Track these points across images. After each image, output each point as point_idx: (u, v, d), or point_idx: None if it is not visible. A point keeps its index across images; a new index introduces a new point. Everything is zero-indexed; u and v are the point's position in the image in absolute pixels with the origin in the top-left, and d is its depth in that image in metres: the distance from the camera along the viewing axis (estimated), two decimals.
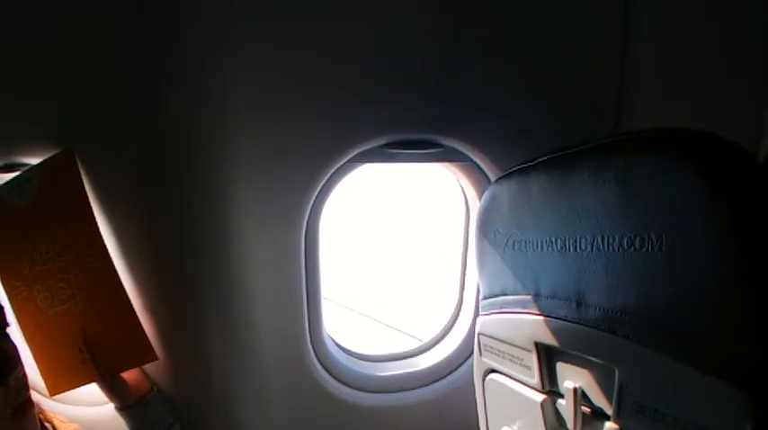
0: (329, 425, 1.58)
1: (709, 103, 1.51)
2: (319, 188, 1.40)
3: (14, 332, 1.24)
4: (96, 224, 1.29)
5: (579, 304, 0.96)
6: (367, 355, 1.69)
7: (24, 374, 1.04)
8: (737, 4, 1.48)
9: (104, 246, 1.29)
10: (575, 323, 0.97)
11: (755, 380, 0.70)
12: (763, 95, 1.65)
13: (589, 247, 0.93)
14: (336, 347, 1.63)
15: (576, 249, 0.96)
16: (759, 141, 1.88)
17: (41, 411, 1.17)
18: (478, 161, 1.50)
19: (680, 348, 0.78)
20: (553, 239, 1.01)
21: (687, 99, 1.50)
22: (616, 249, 0.87)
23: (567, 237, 0.98)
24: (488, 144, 1.45)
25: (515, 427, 1.20)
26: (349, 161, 1.41)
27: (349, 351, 1.66)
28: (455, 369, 1.67)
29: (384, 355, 1.71)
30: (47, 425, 1.17)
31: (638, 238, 0.83)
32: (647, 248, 0.81)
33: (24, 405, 1.02)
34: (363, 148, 1.39)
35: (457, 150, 1.47)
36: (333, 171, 1.40)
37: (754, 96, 1.57)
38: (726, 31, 1.50)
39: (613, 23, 1.45)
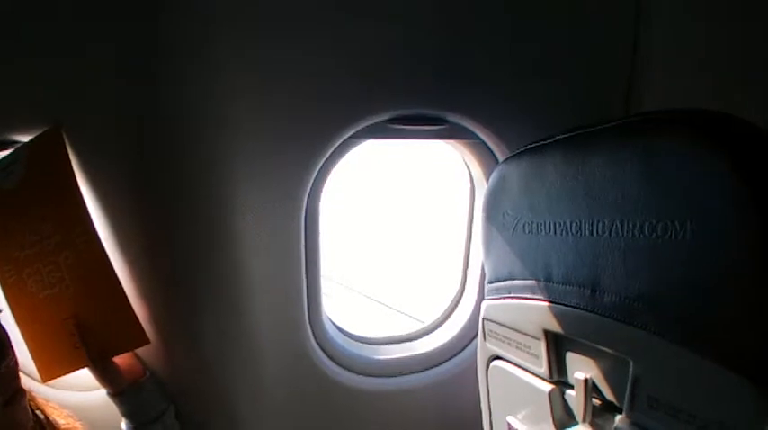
0: (328, 408, 1.56)
1: (725, 81, 1.47)
2: (321, 165, 1.36)
3: (5, 318, 1.24)
4: (85, 204, 1.25)
5: (594, 291, 0.92)
6: (366, 338, 1.67)
7: (16, 362, 1.02)
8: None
9: (94, 227, 1.26)
10: (588, 311, 0.94)
11: None
12: None
13: (607, 232, 0.89)
14: (336, 330, 1.60)
15: (592, 233, 0.92)
16: None
17: (33, 399, 1.14)
18: (486, 139, 1.45)
19: (701, 341, 0.75)
20: (568, 223, 0.97)
21: (701, 76, 1.46)
22: (637, 235, 0.83)
23: (582, 221, 0.94)
24: (496, 122, 1.41)
25: (520, 417, 1.18)
26: (352, 136, 1.37)
27: (348, 333, 1.63)
28: (457, 354, 1.64)
29: (384, 338, 1.68)
30: (38, 412, 1.14)
31: (660, 225, 0.79)
32: (671, 235, 0.78)
33: (15, 395, 1.01)
34: (366, 123, 1.35)
35: (463, 127, 1.42)
36: (335, 146, 1.36)
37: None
38: (739, 25, 1.46)
39: (627, 3, 1.40)
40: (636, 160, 0.82)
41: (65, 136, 1.25)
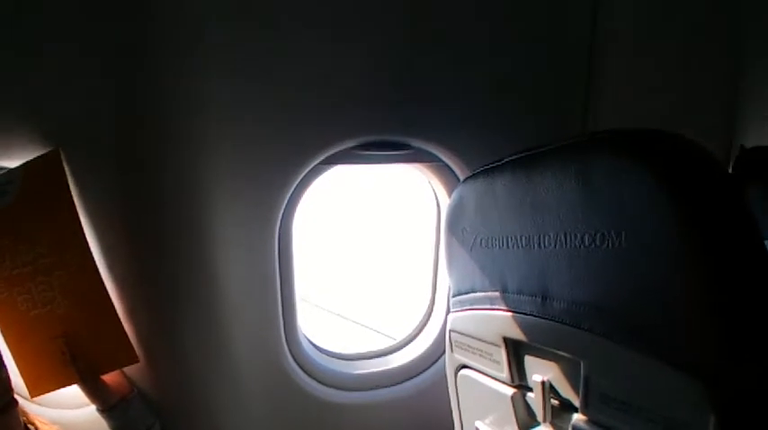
0: (306, 422, 1.59)
1: (676, 109, 1.55)
2: (292, 190, 1.42)
3: None
4: (81, 225, 1.28)
5: (544, 299, 0.98)
6: (341, 354, 1.70)
7: (8, 376, 1.06)
8: (706, 13, 1.52)
9: (88, 248, 1.28)
10: (540, 318, 1.00)
11: (716, 372, 0.72)
12: (732, 101, 1.70)
13: (552, 244, 0.95)
14: (311, 346, 1.64)
15: (540, 246, 0.98)
16: (729, 147, 1.93)
17: (25, 414, 1.18)
18: (448, 162, 1.52)
19: (642, 341, 0.81)
20: (518, 237, 1.04)
21: (655, 104, 1.54)
22: (578, 246, 0.89)
23: (531, 235, 1.00)
24: (458, 145, 1.48)
25: (487, 421, 1.22)
26: (321, 163, 1.43)
27: (324, 349, 1.67)
28: (429, 366, 1.69)
29: (358, 354, 1.72)
30: (30, 427, 1.18)
31: (598, 235, 0.85)
32: (608, 245, 0.84)
33: (9, 404, 1.06)
34: (335, 150, 1.41)
35: (427, 151, 1.50)
36: (305, 173, 1.41)
37: (724, 99, 1.62)
38: (694, 39, 1.54)
39: (582, 29, 1.49)
40: (576, 177, 0.88)
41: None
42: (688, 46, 1.55)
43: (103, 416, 1.34)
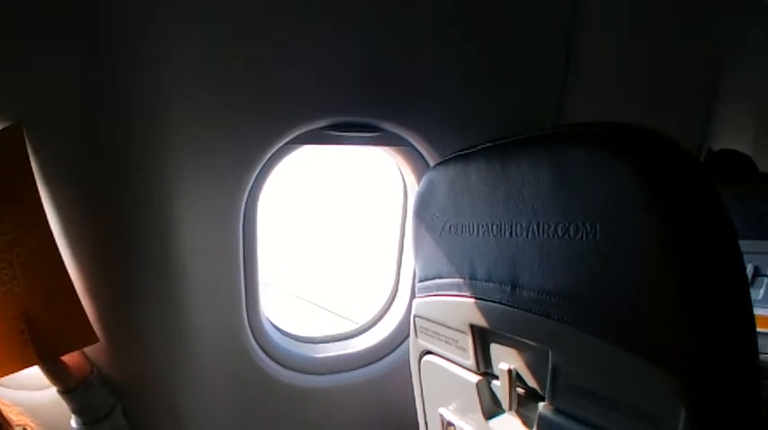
0: (268, 405, 1.58)
1: (648, 107, 1.57)
2: (259, 169, 1.38)
3: None
4: (41, 203, 1.23)
5: (514, 288, 0.98)
6: (304, 337, 1.69)
7: None
8: (681, 13, 1.54)
9: (48, 226, 1.24)
10: (509, 306, 1.00)
11: (686, 364, 0.74)
12: (706, 101, 1.73)
13: (525, 233, 0.95)
14: (274, 329, 1.62)
15: (511, 235, 0.98)
16: (699, 148, 1.98)
17: None
18: (418, 146, 1.51)
19: (611, 332, 0.81)
20: (489, 224, 1.03)
21: (628, 101, 1.55)
22: (551, 236, 0.89)
23: (503, 223, 1.00)
24: (428, 130, 1.46)
25: (451, 408, 1.23)
26: (288, 143, 1.39)
27: (287, 333, 1.65)
28: (392, 350, 1.69)
29: (321, 337, 1.71)
30: None
31: (572, 226, 0.85)
32: (581, 236, 0.84)
33: None
34: (302, 130, 1.38)
35: (397, 135, 1.47)
36: (272, 153, 1.38)
37: (699, 98, 1.65)
38: (670, 38, 1.56)
39: (560, 21, 1.49)
40: (550, 168, 0.88)
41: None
42: (664, 45, 1.57)
43: (64, 398, 1.31)
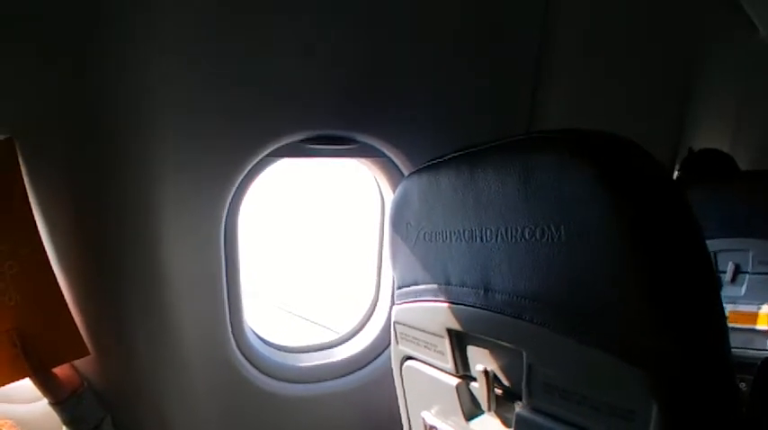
0: (254, 414, 1.59)
1: (621, 112, 1.61)
2: (239, 182, 1.41)
3: None
4: (33, 216, 1.24)
5: (486, 291, 1.01)
6: (287, 346, 1.70)
7: None
8: (656, 16, 1.58)
9: (40, 239, 1.25)
10: (483, 309, 1.02)
11: (657, 360, 0.76)
12: (684, 102, 1.77)
13: (494, 238, 0.98)
14: (257, 338, 1.63)
15: (482, 240, 1.01)
16: (676, 149, 2.02)
17: None
18: (393, 157, 1.54)
19: (581, 331, 0.84)
20: (461, 231, 1.06)
21: (601, 107, 1.59)
22: (519, 239, 0.92)
23: (473, 229, 1.03)
24: (403, 141, 1.50)
25: (433, 411, 1.25)
26: (267, 156, 1.42)
27: (269, 342, 1.67)
28: (375, 358, 1.71)
29: (304, 346, 1.72)
30: None
31: (538, 229, 0.88)
32: (547, 238, 0.87)
33: None
34: (280, 143, 1.40)
35: (372, 146, 1.51)
36: (252, 165, 1.40)
37: (676, 100, 1.68)
38: (642, 44, 1.59)
39: (531, 30, 1.53)
40: (517, 173, 0.91)
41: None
42: (638, 49, 1.61)
43: (55, 410, 1.31)
